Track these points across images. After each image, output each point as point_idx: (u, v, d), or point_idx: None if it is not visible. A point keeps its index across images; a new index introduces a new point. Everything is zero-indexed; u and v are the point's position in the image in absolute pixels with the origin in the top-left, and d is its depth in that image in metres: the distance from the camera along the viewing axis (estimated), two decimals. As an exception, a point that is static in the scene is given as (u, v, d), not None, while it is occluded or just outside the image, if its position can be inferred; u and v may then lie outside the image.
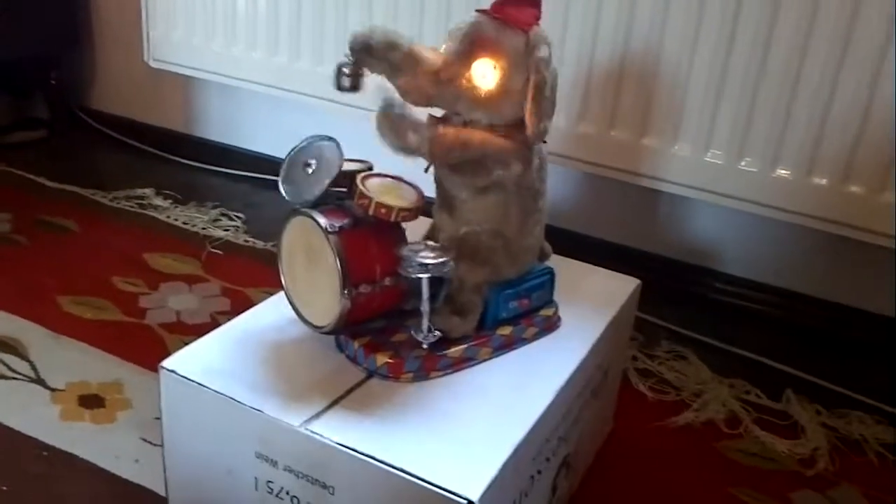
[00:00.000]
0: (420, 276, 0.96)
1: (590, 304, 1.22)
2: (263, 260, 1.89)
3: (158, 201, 2.19)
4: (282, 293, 1.08)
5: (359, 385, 0.98)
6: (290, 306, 1.06)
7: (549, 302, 1.16)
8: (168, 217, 2.11)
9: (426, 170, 1.07)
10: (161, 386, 1.01)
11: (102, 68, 2.57)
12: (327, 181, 0.97)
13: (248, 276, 1.91)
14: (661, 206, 1.87)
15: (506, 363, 1.08)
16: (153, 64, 2.18)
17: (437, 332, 1.01)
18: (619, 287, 1.29)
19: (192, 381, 0.98)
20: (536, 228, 1.10)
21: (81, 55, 2.56)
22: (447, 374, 1.03)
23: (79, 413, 1.30)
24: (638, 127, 1.67)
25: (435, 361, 1.03)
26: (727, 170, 1.60)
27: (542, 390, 1.01)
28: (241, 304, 1.73)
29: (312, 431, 0.90)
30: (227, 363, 1.02)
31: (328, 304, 0.99)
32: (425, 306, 0.99)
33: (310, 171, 0.98)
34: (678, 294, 1.86)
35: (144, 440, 1.25)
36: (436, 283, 1.01)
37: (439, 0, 1.73)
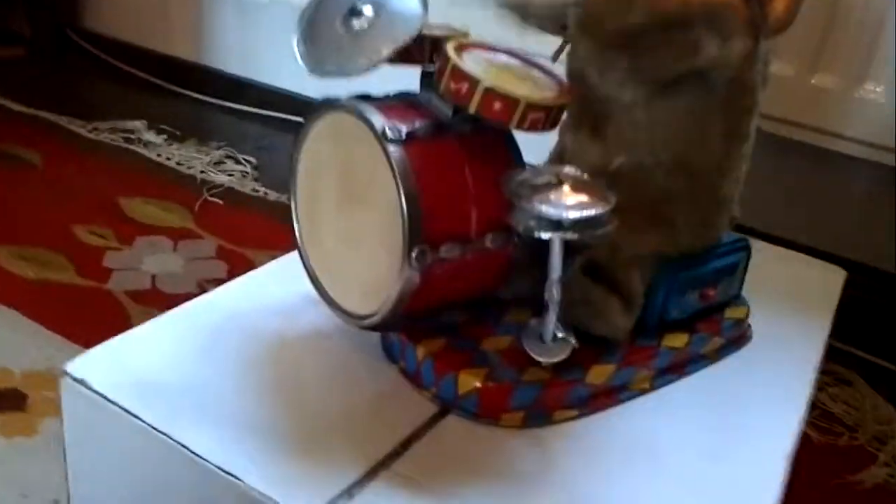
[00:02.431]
0: (551, 235, 0.50)
1: (784, 304, 0.75)
2: (276, 215, 1.39)
3: (150, 136, 1.75)
4: (293, 255, 0.63)
5: (425, 429, 0.54)
6: (306, 277, 0.60)
7: (738, 297, 0.69)
8: (159, 156, 1.66)
9: (556, 56, 0.61)
10: (63, 403, 0.56)
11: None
12: (393, 47, 0.51)
13: (253, 235, 1.39)
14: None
15: (680, 400, 0.62)
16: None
17: (570, 339, 0.55)
18: (819, 280, 0.82)
19: (115, 404, 0.53)
20: (742, 167, 0.63)
21: (73, -40, 2.14)
22: (584, 415, 0.58)
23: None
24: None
25: (562, 392, 0.57)
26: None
27: (760, 466, 0.55)
28: (242, 271, 1.21)
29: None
30: (184, 373, 0.57)
31: (377, 275, 0.53)
32: (554, 291, 0.53)
33: (358, 25, 0.52)
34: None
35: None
36: (571, 249, 0.55)
37: None
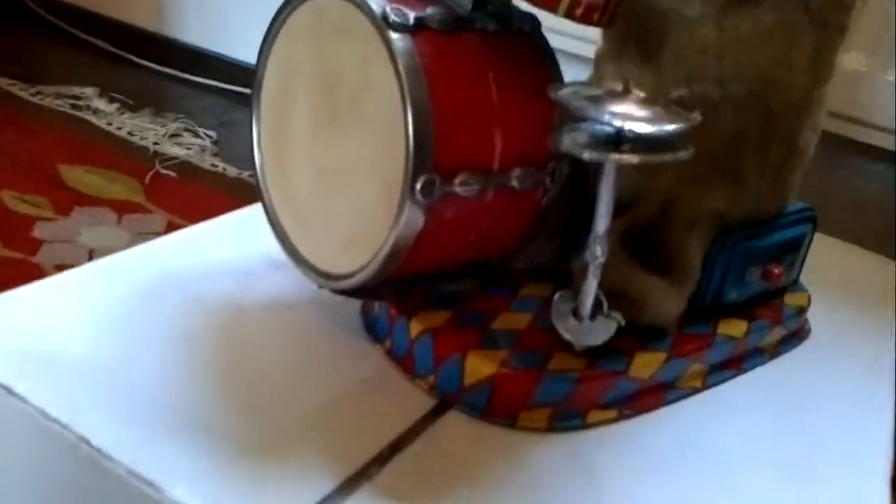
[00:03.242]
0: (608, 156, 0.37)
1: (837, 296, 0.63)
2: (235, 192, 1.25)
3: (100, 104, 1.59)
4: (253, 209, 0.49)
5: (418, 429, 0.40)
6: (268, 227, 0.46)
7: (797, 282, 0.56)
8: (109, 124, 1.50)
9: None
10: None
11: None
12: None
13: (208, 211, 1.20)
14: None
15: (740, 402, 0.49)
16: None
17: (615, 316, 0.42)
18: (870, 270, 0.71)
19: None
20: (823, 113, 0.50)
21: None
22: (625, 417, 0.44)
23: None
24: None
25: (600, 386, 0.44)
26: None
27: (856, 488, 0.42)
28: None
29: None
30: (96, 346, 0.42)
31: (365, 218, 0.40)
32: (598, 249, 0.40)
33: None
34: None
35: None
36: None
37: None
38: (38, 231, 1.09)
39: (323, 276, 0.43)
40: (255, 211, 0.49)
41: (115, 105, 1.58)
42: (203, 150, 1.45)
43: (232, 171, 1.39)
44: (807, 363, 0.55)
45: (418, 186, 0.36)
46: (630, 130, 0.36)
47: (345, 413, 0.42)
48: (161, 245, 0.52)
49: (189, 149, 1.44)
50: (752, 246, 0.50)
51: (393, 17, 0.37)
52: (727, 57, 0.46)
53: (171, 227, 1.16)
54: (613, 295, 0.43)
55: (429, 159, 0.37)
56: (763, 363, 0.53)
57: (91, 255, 1.06)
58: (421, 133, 0.36)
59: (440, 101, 0.37)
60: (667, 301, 0.46)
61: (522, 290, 0.48)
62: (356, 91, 0.40)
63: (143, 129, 1.49)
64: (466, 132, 0.38)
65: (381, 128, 0.38)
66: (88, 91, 1.62)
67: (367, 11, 0.38)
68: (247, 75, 1.64)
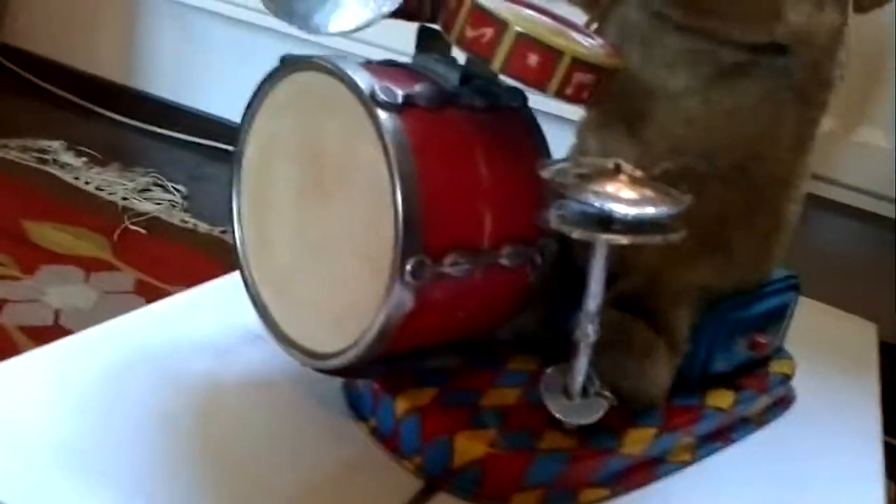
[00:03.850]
0: (601, 237, 0.36)
1: (819, 361, 0.63)
2: (206, 249, 1.23)
3: (68, 158, 1.56)
4: (229, 280, 0.48)
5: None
6: (248, 302, 0.45)
7: (781, 349, 0.56)
8: (76, 179, 1.48)
9: (588, 24, 0.48)
10: None
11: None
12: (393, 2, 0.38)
13: (178, 269, 1.20)
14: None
15: (730, 476, 0.48)
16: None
17: (605, 393, 0.41)
18: (850, 334, 0.71)
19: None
20: (806, 184, 0.51)
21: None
22: (616, 494, 0.43)
23: None
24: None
25: (592, 464, 0.43)
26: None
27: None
28: None
29: None
30: (65, 424, 0.40)
31: (351, 297, 0.39)
32: (589, 328, 0.39)
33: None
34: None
35: None
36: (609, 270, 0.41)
37: None
38: (2, 291, 1.06)
39: (306, 355, 0.42)
40: (231, 281, 0.48)
41: (83, 159, 1.56)
42: (173, 205, 1.43)
43: (203, 227, 1.36)
44: (793, 431, 0.54)
45: (408, 268, 0.36)
46: (620, 212, 0.35)
47: (328, 496, 0.40)
48: (136, 319, 0.50)
49: (159, 204, 1.42)
50: (738, 317, 0.50)
51: (381, 96, 0.36)
52: (713, 130, 0.46)
53: (139, 286, 1.14)
54: (613, 347, 0.43)
55: (418, 241, 0.36)
56: (751, 432, 0.52)
57: (57, 316, 1.03)
58: (410, 214, 0.35)
59: (429, 181, 0.36)
60: (664, 366, 0.45)
61: (509, 363, 0.47)
62: (342, 166, 0.39)
63: (112, 184, 1.47)
64: (456, 212, 0.38)
65: (369, 205, 0.37)
66: (55, 145, 1.60)
67: (355, 88, 0.37)
68: (217, 129, 1.62)
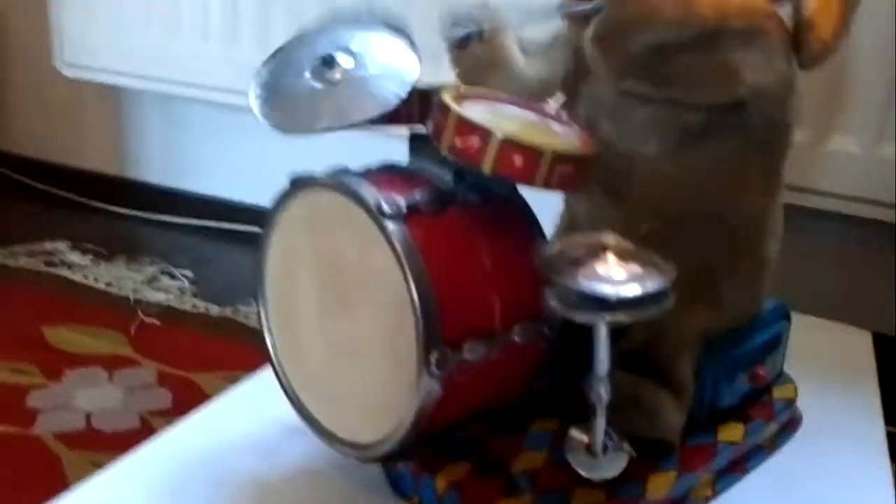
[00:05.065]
0: (601, 318, 0.40)
1: (818, 376, 0.67)
2: (220, 332, 1.26)
3: (74, 257, 1.61)
4: (257, 377, 0.51)
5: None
6: (285, 401, 0.48)
7: (781, 374, 0.60)
8: (86, 277, 1.52)
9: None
10: None
11: (5, 96, 2.01)
12: (379, 109, 0.42)
13: (197, 356, 1.24)
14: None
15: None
16: (67, 72, 1.62)
17: (625, 447, 0.44)
18: (845, 345, 0.74)
19: None
20: (780, 219, 0.55)
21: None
22: (648, 540, 0.46)
23: None
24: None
25: (621, 514, 0.46)
26: None
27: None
28: (188, 398, 1.08)
29: None
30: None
31: (383, 391, 0.42)
32: (601, 390, 0.43)
33: (335, 76, 0.42)
34: None
35: None
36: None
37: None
38: (32, 400, 1.09)
39: (347, 447, 0.46)
40: (262, 378, 0.51)
41: (89, 256, 1.60)
42: (182, 291, 1.47)
43: (214, 310, 1.40)
44: (804, 451, 0.58)
45: (432, 361, 0.39)
46: (616, 295, 0.39)
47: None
48: (182, 429, 0.54)
49: (168, 293, 1.46)
50: (737, 354, 0.54)
51: (386, 208, 0.40)
52: (687, 188, 0.50)
53: (161, 377, 1.17)
54: (622, 404, 0.46)
55: (437, 335, 0.40)
56: (764, 459, 0.56)
57: (88, 419, 1.07)
58: (427, 312, 0.39)
59: (440, 279, 0.40)
60: (673, 413, 0.49)
61: (531, 425, 0.51)
62: (359, 276, 0.43)
63: (120, 278, 1.51)
64: (468, 303, 0.41)
65: (389, 309, 0.41)
66: (60, 245, 1.64)
67: (363, 204, 0.41)
68: (214, 209, 1.65)
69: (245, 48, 1.49)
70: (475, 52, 0.51)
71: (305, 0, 1.38)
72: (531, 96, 0.52)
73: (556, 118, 0.47)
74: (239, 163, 1.75)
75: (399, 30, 0.46)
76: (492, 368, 0.43)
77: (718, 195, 0.51)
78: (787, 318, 0.59)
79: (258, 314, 0.49)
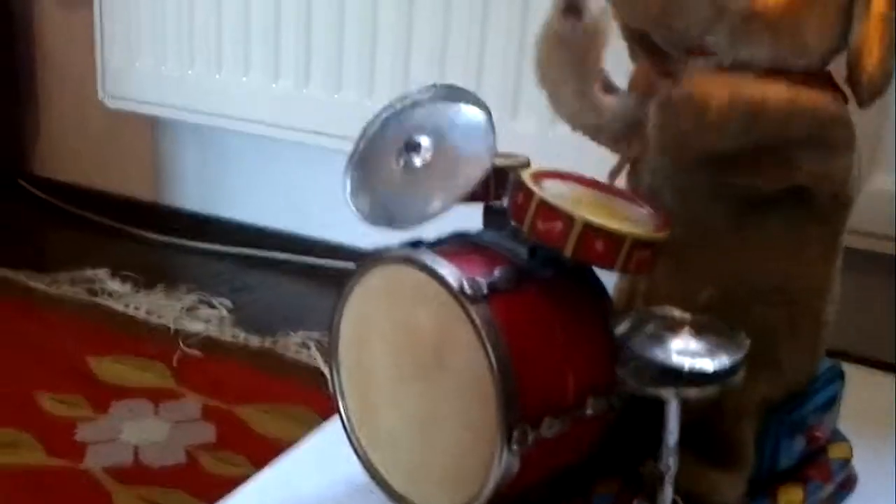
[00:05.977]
0: (677, 392, 0.41)
1: (860, 427, 0.67)
2: (260, 364, 1.28)
3: (115, 285, 1.63)
4: (320, 433, 0.53)
5: None
6: (360, 464, 0.50)
7: (836, 432, 0.61)
8: (127, 306, 1.55)
9: (615, 174, 0.54)
10: None
11: (49, 124, 2.05)
12: (464, 185, 0.43)
13: (239, 388, 1.27)
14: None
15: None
16: (110, 103, 1.66)
17: (691, 514, 0.46)
18: (874, 390, 0.75)
19: None
20: (837, 279, 0.56)
21: (22, 111, 2.05)
22: None
23: None
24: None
25: (687, 581, 0.47)
26: None
27: None
28: (232, 432, 1.11)
29: None
30: None
31: (461, 462, 0.44)
32: (670, 461, 0.44)
33: (418, 160, 0.44)
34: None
35: None
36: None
37: None
38: (81, 433, 1.12)
39: (422, 512, 0.47)
40: (326, 436, 0.53)
41: (129, 284, 1.63)
42: (221, 320, 1.50)
43: (254, 342, 1.42)
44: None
45: (514, 438, 0.41)
46: (693, 368, 0.40)
47: None
48: (251, 491, 0.55)
49: (208, 322, 1.48)
50: (796, 418, 0.55)
51: (469, 290, 0.42)
52: (749, 260, 0.51)
53: (206, 412, 1.19)
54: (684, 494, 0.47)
55: (518, 412, 0.41)
56: (822, 520, 0.57)
57: (136, 453, 1.09)
58: (508, 391, 0.41)
59: (520, 357, 0.42)
60: (732, 488, 0.50)
61: (596, 488, 0.52)
62: (438, 350, 0.44)
63: (160, 307, 1.53)
64: (545, 379, 0.43)
65: (469, 383, 0.42)
66: (101, 273, 1.67)
67: (446, 284, 0.43)
68: (250, 237, 1.67)
69: (284, 82, 1.52)
70: (577, 24, 0.50)
71: (346, 36, 1.41)
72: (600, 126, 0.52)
73: (620, 193, 0.49)
74: (281, 190, 1.77)
75: (477, 102, 0.47)
76: (565, 442, 0.45)
77: (778, 265, 0.52)
78: (842, 377, 0.60)
79: (330, 377, 0.51)
